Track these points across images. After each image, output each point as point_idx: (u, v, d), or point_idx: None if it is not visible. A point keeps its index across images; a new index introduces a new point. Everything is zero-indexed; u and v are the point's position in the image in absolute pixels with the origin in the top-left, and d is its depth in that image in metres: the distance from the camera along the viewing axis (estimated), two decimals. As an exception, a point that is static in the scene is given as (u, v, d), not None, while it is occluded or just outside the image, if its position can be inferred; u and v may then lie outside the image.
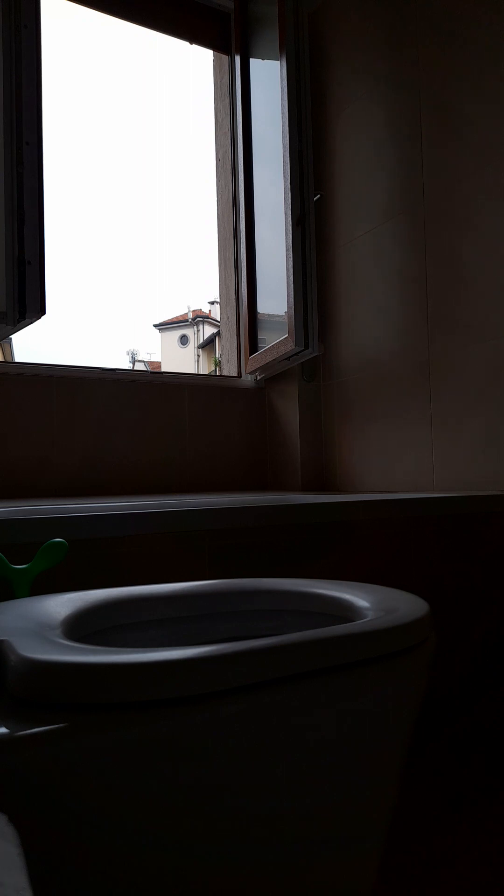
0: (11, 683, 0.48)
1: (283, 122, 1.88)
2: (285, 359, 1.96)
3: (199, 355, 24.86)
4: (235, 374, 2.24)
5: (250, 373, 2.14)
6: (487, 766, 1.29)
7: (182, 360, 25.06)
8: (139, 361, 27.50)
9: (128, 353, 28.29)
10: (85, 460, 1.82)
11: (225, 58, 2.30)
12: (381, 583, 1.21)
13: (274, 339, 1.99)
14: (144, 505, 1.27)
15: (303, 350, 1.88)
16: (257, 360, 2.07)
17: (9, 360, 7.95)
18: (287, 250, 1.87)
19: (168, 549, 0.99)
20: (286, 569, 1.10)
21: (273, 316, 2.06)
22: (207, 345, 24.23)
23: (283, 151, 1.88)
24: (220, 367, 2.54)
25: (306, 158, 1.92)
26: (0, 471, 1.70)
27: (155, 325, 27.45)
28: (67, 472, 1.79)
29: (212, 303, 25.55)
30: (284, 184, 1.88)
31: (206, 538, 1.03)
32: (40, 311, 1.47)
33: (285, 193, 1.87)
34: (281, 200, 1.91)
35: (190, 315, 25.83)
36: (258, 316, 2.15)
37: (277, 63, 1.93)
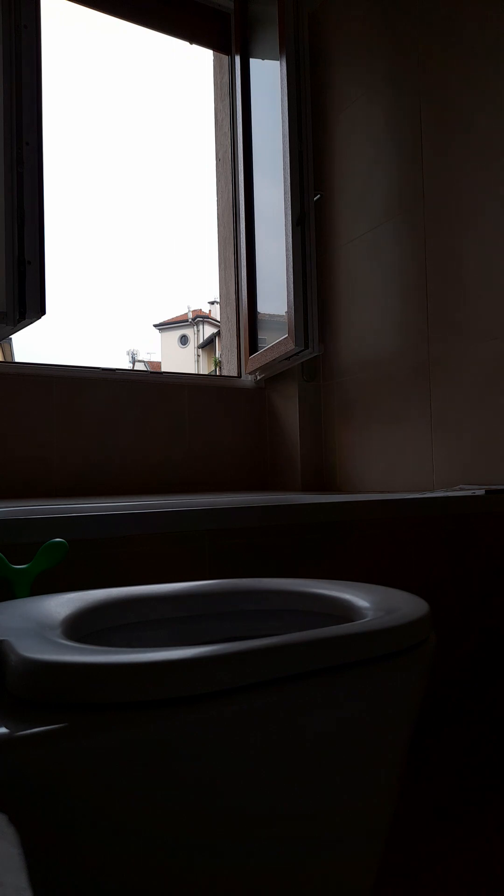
0: (11, 683, 0.48)
1: (282, 121, 1.88)
2: (285, 359, 1.96)
3: (199, 355, 24.85)
4: (235, 374, 2.24)
5: (250, 373, 2.14)
6: (487, 766, 1.29)
7: (182, 360, 25.06)
8: (139, 361, 27.50)
9: (128, 353, 28.29)
10: (85, 460, 1.82)
11: (225, 58, 2.30)
12: (381, 583, 1.21)
13: (274, 339, 1.99)
14: (144, 505, 1.27)
15: (303, 350, 1.88)
16: (257, 360, 2.07)
17: (9, 360, 7.95)
18: (287, 250, 1.87)
19: (168, 549, 0.99)
20: (286, 569, 1.10)
21: (273, 316, 2.06)
22: (207, 345, 24.22)
23: (283, 151, 1.88)
24: (220, 367, 2.54)
25: (306, 158, 1.92)
26: (0, 471, 1.70)
27: (155, 325, 27.45)
28: (67, 472, 1.79)
29: (212, 303, 25.54)
30: (284, 184, 1.88)
31: (206, 538, 1.03)
32: (40, 311, 1.47)
33: (285, 193, 1.87)
34: (281, 200, 1.91)
35: (190, 315, 25.82)
36: (258, 316, 2.15)
37: (277, 63, 1.93)
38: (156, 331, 27.54)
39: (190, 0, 2.17)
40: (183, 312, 26.69)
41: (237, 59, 2.18)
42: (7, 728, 0.44)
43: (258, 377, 2.15)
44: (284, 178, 1.88)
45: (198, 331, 25.54)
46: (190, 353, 25.38)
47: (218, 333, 19.03)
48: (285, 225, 1.88)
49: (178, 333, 26.37)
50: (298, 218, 1.87)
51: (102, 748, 0.45)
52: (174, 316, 27.53)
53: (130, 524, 0.97)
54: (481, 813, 1.12)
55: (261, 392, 2.17)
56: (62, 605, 0.66)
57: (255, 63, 2.14)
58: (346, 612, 0.68)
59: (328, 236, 2.01)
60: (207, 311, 25.51)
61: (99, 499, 1.57)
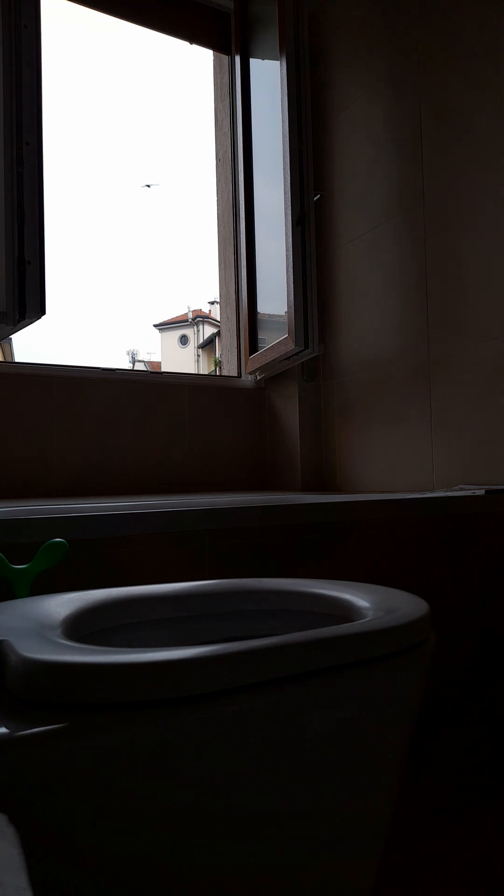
0: (11, 683, 0.48)
1: (282, 121, 1.88)
2: (285, 359, 1.96)
3: (199, 355, 24.84)
4: (235, 374, 2.24)
5: (250, 373, 2.14)
6: (487, 766, 1.29)
7: (182, 360, 25.05)
8: (139, 361, 27.49)
9: (128, 353, 28.28)
10: (85, 460, 1.82)
11: (225, 58, 2.30)
12: (381, 583, 1.21)
13: (274, 339, 1.99)
14: (144, 505, 1.27)
15: (303, 350, 1.88)
16: (257, 360, 2.07)
17: (9, 360, 7.95)
18: (287, 250, 1.87)
19: (168, 549, 0.99)
20: (286, 569, 1.10)
21: (273, 316, 2.06)
22: (207, 345, 24.22)
23: (283, 151, 1.88)
24: (220, 367, 2.54)
25: (306, 158, 1.92)
26: (0, 471, 1.70)
27: (155, 325, 27.44)
28: (67, 472, 1.79)
29: (212, 303, 25.54)
30: (284, 184, 1.88)
31: (207, 538, 1.03)
32: (40, 311, 1.47)
33: (285, 193, 1.87)
34: (281, 200, 1.91)
35: (190, 315, 25.81)
36: (258, 316, 2.15)
37: (277, 63, 1.93)
38: (156, 331, 27.54)
39: (190, 0, 2.17)
40: (183, 312, 26.68)
41: (237, 59, 2.18)
42: (7, 728, 0.44)
43: (258, 377, 2.15)
44: (284, 178, 1.88)
45: (198, 331, 25.53)
46: (190, 353, 25.37)
47: (218, 333, 19.03)
48: (285, 225, 1.88)
49: (178, 333, 26.36)
50: (298, 218, 1.87)
51: (102, 748, 0.45)
52: (174, 316, 27.51)
53: (130, 524, 0.97)
54: (481, 813, 1.12)
55: (261, 392, 2.17)
56: (62, 605, 0.66)
57: (255, 63, 2.14)
58: (346, 612, 0.68)
59: (328, 236, 2.01)
60: (207, 311, 25.50)
61: (99, 499, 1.57)
